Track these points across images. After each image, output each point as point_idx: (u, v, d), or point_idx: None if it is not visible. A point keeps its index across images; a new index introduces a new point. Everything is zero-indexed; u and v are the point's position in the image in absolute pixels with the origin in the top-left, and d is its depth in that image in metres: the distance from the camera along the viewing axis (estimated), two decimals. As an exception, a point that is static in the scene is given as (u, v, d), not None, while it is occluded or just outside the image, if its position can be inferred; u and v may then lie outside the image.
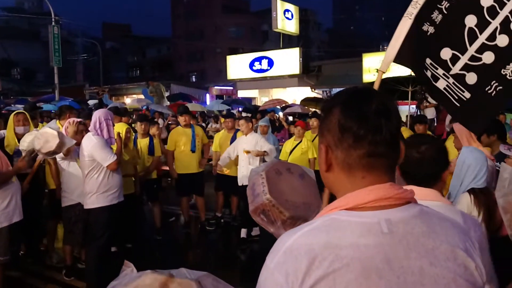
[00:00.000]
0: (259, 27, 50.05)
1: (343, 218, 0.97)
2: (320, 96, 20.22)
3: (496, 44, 2.70)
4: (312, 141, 7.33)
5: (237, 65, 25.01)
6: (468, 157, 3.31)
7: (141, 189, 6.33)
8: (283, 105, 18.13)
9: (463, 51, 2.81)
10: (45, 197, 5.72)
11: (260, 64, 23.68)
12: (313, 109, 15.45)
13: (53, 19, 22.27)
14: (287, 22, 24.26)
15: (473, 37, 2.77)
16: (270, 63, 23.26)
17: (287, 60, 22.45)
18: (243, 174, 6.27)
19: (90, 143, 4.53)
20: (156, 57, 59.48)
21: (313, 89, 22.44)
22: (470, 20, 2.77)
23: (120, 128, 5.81)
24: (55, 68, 21.93)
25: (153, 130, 7.01)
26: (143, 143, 6.64)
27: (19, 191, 4.28)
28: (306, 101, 16.88)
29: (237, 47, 41.59)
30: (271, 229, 1.76)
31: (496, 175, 3.58)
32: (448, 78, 2.91)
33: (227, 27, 49.09)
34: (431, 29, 2.90)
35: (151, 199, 6.81)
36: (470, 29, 2.77)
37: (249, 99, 25.61)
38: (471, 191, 3.21)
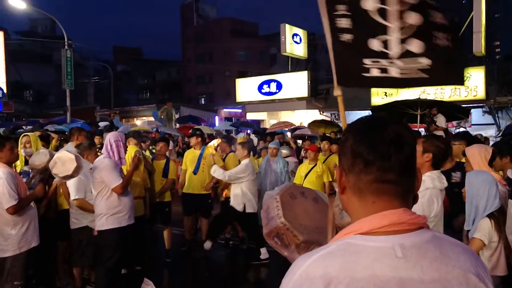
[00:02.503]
0: (268, 51, 50.51)
1: (358, 242, 1.00)
2: (328, 119, 20.23)
3: (412, 4, 2.64)
4: (323, 162, 7.35)
5: (246, 88, 25.18)
6: (473, 181, 3.27)
7: (153, 212, 6.34)
8: (291, 127, 18.15)
9: (386, 31, 2.72)
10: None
11: (269, 87, 23.82)
12: (322, 132, 15.46)
13: (65, 43, 22.67)
14: (295, 46, 24.49)
15: (384, 14, 2.69)
16: (279, 86, 23.40)
17: (296, 83, 22.59)
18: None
19: (100, 165, 4.66)
20: (166, 80, 60.13)
21: (321, 112, 22.47)
22: (369, 3, 2.71)
23: (131, 150, 5.87)
24: (67, 91, 22.21)
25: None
26: (159, 165, 6.67)
27: (36, 215, 4.29)
28: (315, 124, 16.91)
29: (246, 70, 41.93)
30: (285, 253, 1.77)
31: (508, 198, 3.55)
32: (393, 62, 2.80)
33: (236, 50, 49.66)
34: (349, 36, 2.82)
35: (162, 222, 6.80)
36: (379, 9, 2.70)
37: (258, 122, 25.68)
38: (491, 216, 3.15)
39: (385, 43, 2.75)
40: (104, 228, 4.64)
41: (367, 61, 2.83)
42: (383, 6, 2.67)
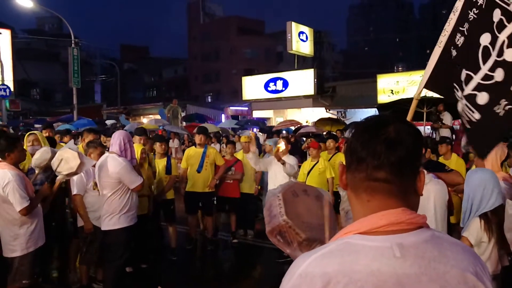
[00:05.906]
0: (274, 49, 50.52)
1: (356, 242, 1.01)
2: (334, 117, 20.20)
3: (504, 59, 2.61)
4: (329, 160, 7.35)
5: (252, 86, 25.20)
6: (471, 179, 3.25)
7: (158, 209, 6.36)
8: (297, 126, 18.13)
9: (476, 70, 2.75)
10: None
11: (275, 85, 23.82)
12: (328, 130, 15.43)
13: (72, 41, 22.74)
14: (301, 44, 24.46)
15: (487, 55, 2.70)
16: (285, 84, 23.39)
17: (302, 81, 22.56)
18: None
19: (118, 165, 4.51)
20: (172, 78, 60.24)
21: (327, 110, 22.44)
22: (485, 39, 2.72)
23: (137, 148, 5.88)
24: (74, 89, 22.31)
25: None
26: (161, 163, 6.71)
27: (42, 214, 4.29)
28: (321, 122, 16.88)
29: (252, 68, 41.95)
30: (287, 250, 1.78)
31: None
32: (462, 99, 2.87)
33: (243, 48, 49.66)
34: (454, 53, 2.89)
35: (167, 220, 6.81)
36: (485, 47, 2.72)
37: (264, 120, 25.71)
38: (483, 216, 3.13)
39: (467, 80, 2.84)
40: (116, 227, 4.60)
41: (454, 84, 2.95)
42: (490, 48, 2.70)
